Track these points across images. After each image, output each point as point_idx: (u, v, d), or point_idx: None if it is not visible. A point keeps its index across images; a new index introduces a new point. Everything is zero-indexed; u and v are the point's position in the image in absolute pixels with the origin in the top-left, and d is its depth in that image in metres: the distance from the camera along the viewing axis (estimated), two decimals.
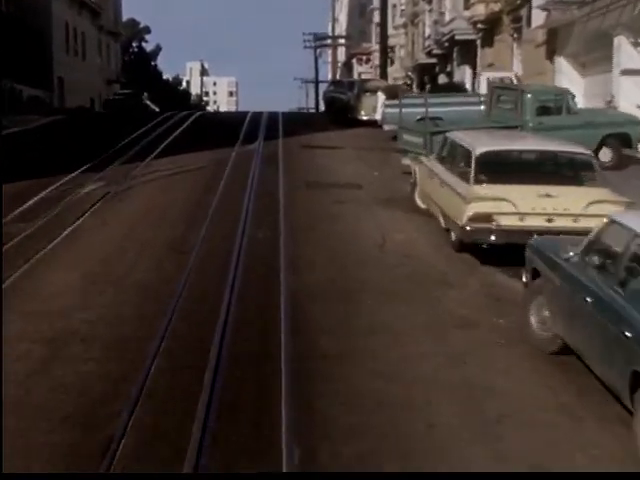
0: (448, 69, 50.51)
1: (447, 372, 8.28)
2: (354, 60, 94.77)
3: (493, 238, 11.93)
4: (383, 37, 42.22)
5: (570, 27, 29.31)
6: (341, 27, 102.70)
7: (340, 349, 8.86)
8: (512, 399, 7.65)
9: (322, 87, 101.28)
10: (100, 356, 8.59)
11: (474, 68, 44.88)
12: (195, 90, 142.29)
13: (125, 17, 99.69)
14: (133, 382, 7.75)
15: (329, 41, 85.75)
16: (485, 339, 9.31)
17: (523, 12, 35.11)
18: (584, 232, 8.64)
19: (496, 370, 8.36)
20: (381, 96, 28.76)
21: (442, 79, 51.31)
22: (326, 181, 20.00)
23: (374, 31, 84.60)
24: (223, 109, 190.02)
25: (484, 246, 12.20)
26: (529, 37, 34.32)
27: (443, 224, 13.80)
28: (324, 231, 14.55)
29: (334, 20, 76.36)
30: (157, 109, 50.70)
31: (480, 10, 39.59)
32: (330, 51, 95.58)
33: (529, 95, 20.01)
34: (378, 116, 28.80)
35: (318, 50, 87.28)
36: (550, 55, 31.69)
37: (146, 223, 15.07)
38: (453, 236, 13.23)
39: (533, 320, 8.84)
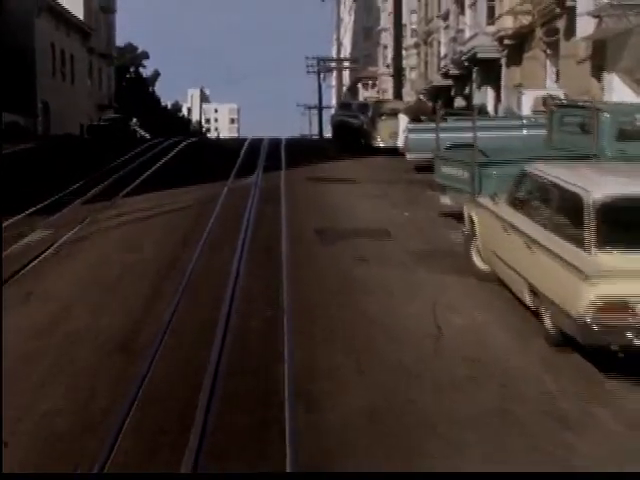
0: (466, 91, 46.05)
1: None
2: (359, 84, 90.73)
3: (637, 341, 7.29)
4: (397, 55, 37.74)
5: (624, 38, 24.80)
6: (345, 51, 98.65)
7: None
8: None
9: (326, 112, 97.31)
10: None
11: (497, 89, 40.43)
12: (197, 117, 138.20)
13: (124, 42, 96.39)
14: None
15: (333, 64, 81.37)
16: None
17: (560, 23, 30.65)
18: None
19: None
20: (403, 119, 24.21)
21: (459, 102, 46.89)
22: (342, 227, 15.39)
23: (381, 54, 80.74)
24: (224, 136, 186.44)
25: (618, 353, 7.53)
26: (568, 52, 29.84)
27: (529, 302, 9.18)
28: (346, 314, 9.89)
29: (339, 40, 72.10)
30: (148, 136, 46.24)
31: (508, 24, 35.16)
32: (334, 75, 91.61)
33: (607, 115, 15.40)
34: (400, 142, 24.23)
35: (322, 74, 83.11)
36: (597, 71, 27.19)
37: (88, 300, 10.40)
38: (548, 323, 8.62)
39: None
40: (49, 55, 55.41)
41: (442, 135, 23.01)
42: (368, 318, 9.68)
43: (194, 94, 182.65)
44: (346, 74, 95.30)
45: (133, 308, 9.95)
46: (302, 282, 11.04)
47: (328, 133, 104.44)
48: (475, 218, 11.37)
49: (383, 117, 28.68)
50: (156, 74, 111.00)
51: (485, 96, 41.90)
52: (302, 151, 30.03)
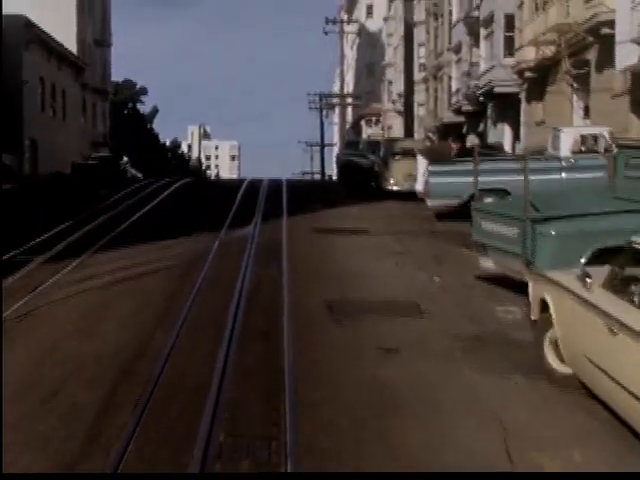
0: (480, 128, 43.11)
1: None
2: (363, 121, 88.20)
3: None
4: (408, 90, 34.80)
5: None
6: (348, 87, 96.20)
7: None
8: None
9: (328, 150, 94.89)
10: None
11: (515, 127, 37.48)
12: (197, 154, 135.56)
13: (122, 77, 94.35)
14: None
15: (335, 100, 78.61)
16: None
17: (591, 54, 27.74)
18: None
19: None
20: (422, 161, 21.14)
21: (472, 140, 43.96)
22: (359, 298, 12.26)
23: (385, 90, 78.20)
24: (224, 175, 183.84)
25: None
26: (601, 85, 26.89)
27: None
28: (375, 453, 6.71)
29: (342, 75, 69.37)
30: (140, 175, 43.25)
31: (529, 55, 32.24)
32: (337, 112, 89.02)
33: None
34: (419, 187, 21.16)
35: (324, 111, 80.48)
36: (637, 107, 24.23)
37: (12, 419, 7.22)
38: None
39: None
40: (38, 90, 52.53)
41: (466, 179, 20.18)
42: (406, 451, 6.51)
43: (194, 131, 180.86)
44: (349, 111, 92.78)
45: (75, 433, 6.79)
46: (311, 399, 7.84)
47: (330, 170, 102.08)
48: (551, 303, 8.21)
49: (397, 157, 25.66)
50: (155, 110, 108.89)
51: (501, 134, 38.95)
52: (305, 194, 26.97)
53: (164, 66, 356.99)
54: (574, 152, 20.10)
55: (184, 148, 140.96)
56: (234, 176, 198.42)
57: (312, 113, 76.68)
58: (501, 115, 39.02)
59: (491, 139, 40.16)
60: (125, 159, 41.81)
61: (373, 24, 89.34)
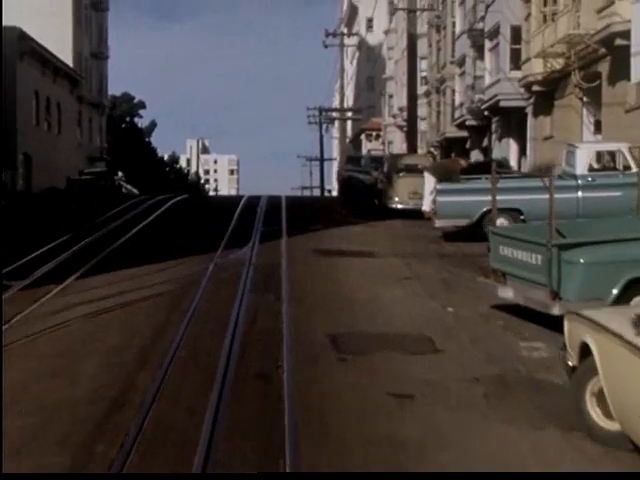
0: (484, 144, 42.06)
1: None
2: (363, 136, 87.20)
3: None
4: (411, 104, 33.74)
5: None
6: (348, 102, 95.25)
7: None
8: None
9: (328, 165, 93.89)
10: None
11: (521, 142, 36.42)
12: (196, 168, 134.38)
13: (121, 91, 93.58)
14: None
15: (335, 114, 77.55)
16: None
17: (602, 67, 26.68)
18: None
19: None
20: (429, 178, 20.02)
21: (476, 156, 42.92)
22: (366, 330, 11.14)
23: (387, 103, 77.17)
24: (223, 190, 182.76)
25: None
26: (613, 99, 25.83)
27: None
28: None
29: (342, 88, 68.36)
30: (136, 191, 42.10)
31: (537, 68, 31.14)
32: (336, 126, 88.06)
33: None
34: (426, 206, 20.04)
35: (324, 125, 79.48)
36: None
37: None
38: None
39: None
40: (32, 103, 51.49)
41: (477, 198, 19.10)
42: None
43: (194, 145, 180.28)
44: (348, 126, 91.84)
45: None
46: (315, 464, 6.70)
47: (329, 185, 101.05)
48: (596, 349, 7.06)
49: (401, 174, 24.54)
50: (153, 124, 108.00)
51: (507, 149, 37.89)
52: (305, 212, 25.83)
53: (163, 79, 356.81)
54: (591, 169, 18.99)
55: (183, 162, 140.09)
56: (233, 192, 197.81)
57: (311, 127, 75.58)
58: (506, 130, 37.96)
59: (496, 154, 39.07)
60: (120, 174, 40.60)
61: (373, 38, 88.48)
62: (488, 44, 37.59)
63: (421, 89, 55.13)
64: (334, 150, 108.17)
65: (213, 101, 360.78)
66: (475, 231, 19.13)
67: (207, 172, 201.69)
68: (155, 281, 14.16)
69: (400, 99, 69.41)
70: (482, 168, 22.78)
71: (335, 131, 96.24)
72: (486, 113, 38.46)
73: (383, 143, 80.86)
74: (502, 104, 35.12)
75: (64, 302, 12.59)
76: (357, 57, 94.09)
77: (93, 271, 15.10)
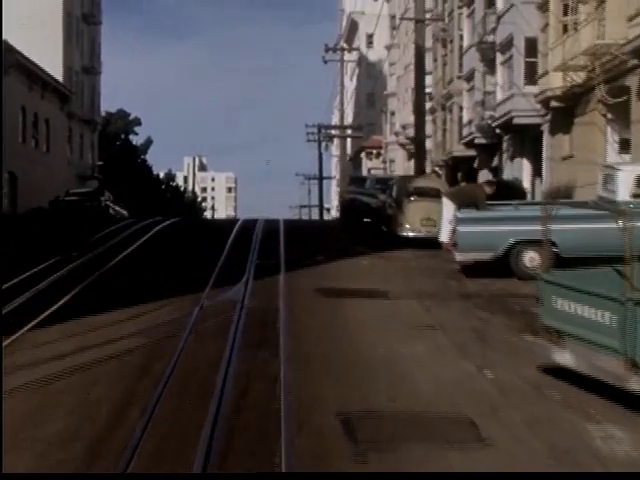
0: (494, 163, 39.71)
1: None
2: (363, 154, 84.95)
3: None
4: (419, 122, 31.30)
5: None
6: (347, 119, 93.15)
7: None
8: None
9: (327, 184, 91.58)
10: None
11: (535, 161, 34.06)
12: (194, 186, 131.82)
13: (116, 108, 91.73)
14: None
15: (334, 132, 75.18)
16: None
17: (631, 80, 24.34)
18: None
19: None
20: (449, 204, 17.60)
21: (485, 176, 40.52)
22: (388, 407, 8.67)
23: (388, 121, 74.99)
24: (221, 208, 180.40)
25: None
26: None
27: None
28: None
29: (343, 104, 66.06)
30: (125, 213, 39.62)
31: (556, 82, 28.81)
32: (335, 144, 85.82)
33: None
34: (445, 236, 17.59)
35: (323, 143, 77.19)
36: None
37: None
38: None
39: None
40: (18, 119, 49.11)
41: (502, 228, 16.74)
42: None
43: (191, 162, 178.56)
44: (348, 144, 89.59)
45: None
46: None
47: (328, 203, 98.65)
48: None
49: (412, 197, 22.11)
50: (148, 142, 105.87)
51: (519, 169, 35.51)
52: (305, 240, 23.32)
53: (162, 96, 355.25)
54: (635, 195, 16.59)
55: (180, 180, 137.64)
56: (230, 210, 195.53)
57: (310, 145, 73.24)
58: (519, 149, 35.60)
59: (507, 175, 36.74)
60: (107, 195, 38.09)
61: (373, 54, 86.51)
62: (500, 57, 35.30)
63: (425, 105, 52.90)
64: (333, 168, 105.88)
65: (211, 118, 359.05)
66: (500, 265, 16.77)
67: (204, 190, 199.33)
68: (126, 332, 11.70)
69: (402, 116, 67.18)
70: (505, 191, 20.36)
71: (334, 149, 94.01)
72: (497, 131, 36.14)
73: (384, 162, 78.58)
74: (516, 121, 32.81)
75: (10, 363, 10.12)
76: (357, 74, 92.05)
77: (52, 319, 12.62)
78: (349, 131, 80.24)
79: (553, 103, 29.71)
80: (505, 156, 37.62)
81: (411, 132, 64.05)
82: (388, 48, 71.69)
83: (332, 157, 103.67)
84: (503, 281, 16.42)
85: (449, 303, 14.25)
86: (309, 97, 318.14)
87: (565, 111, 29.56)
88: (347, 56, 74.32)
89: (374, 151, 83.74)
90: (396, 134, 67.37)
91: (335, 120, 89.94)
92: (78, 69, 62.13)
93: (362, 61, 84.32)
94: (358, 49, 75.45)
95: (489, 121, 36.87)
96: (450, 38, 45.86)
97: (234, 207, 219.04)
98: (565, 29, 28.68)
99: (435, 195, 21.46)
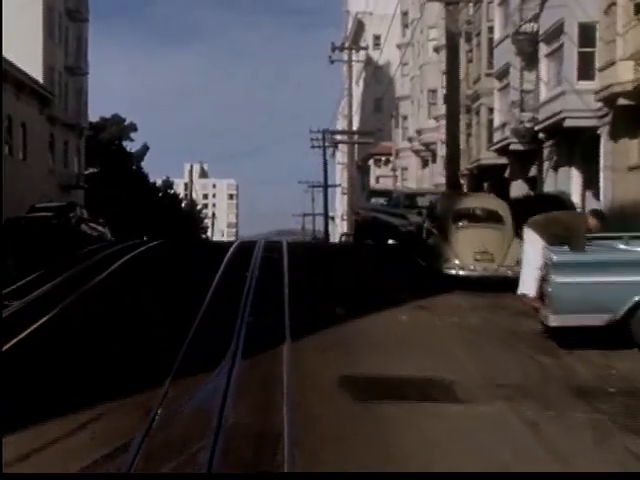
0: (531, 173, 34.13)
1: None
2: (371, 161, 79.55)
3: None
4: (451, 120, 25.67)
5: None
6: (353, 125, 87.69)
7: None
8: None
9: (331, 192, 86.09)
10: None
11: (588, 172, 28.48)
12: (194, 194, 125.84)
13: (111, 113, 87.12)
14: None
15: (340, 137, 69.62)
16: None
17: None
18: None
19: None
20: (534, 239, 11.97)
21: (518, 188, 34.93)
22: None
23: (400, 125, 69.68)
24: (222, 219, 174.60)
25: None
26: None
27: None
28: None
29: (350, 107, 60.54)
30: (105, 230, 33.88)
31: (625, 75, 23.29)
32: (341, 151, 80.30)
33: None
34: (530, 289, 11.94)
35: (329, 150, 71.75)
36: None
37: None
38: None
39: None
40: None
41: (625, 279, 11.20)
42: None
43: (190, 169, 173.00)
44: (355, 150, 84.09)
45: None
46: None
47: (332, 212, 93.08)
48: None
49: (461, 222, 16.43)
50: (145, 148, 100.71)
51: (566, 181, 29.90)
52: (316, 277, 17.51)
53: (163, 102, 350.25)
54: None
55: (180, 187, 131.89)
56: (232, 216, 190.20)
57: (314, 151, 67.89)
58: (567, 156, 29.97)
59: (549, 187, 31.17)
60: (80, 210, 32.37)
61: (381, 56, 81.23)
62: (544, 49, 29.71)
63: (441, 109, 47.17)
64: (337, 176, 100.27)
65: (213, 124, 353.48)
66: (612, 331, 11.24)
67: (205, 197, 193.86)
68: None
69: (417, 120, 61.69)
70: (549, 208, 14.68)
71: (339, 156, 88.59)
72: (540, 135, 30.55)
73: (394, 169, 73.26)
74: (567, 123, 27.21)
75: None
76: (363, 77, 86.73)
77: None
78: (356, 137, 74.73)
79: (620, 100, 24.11)
80: (547, 165, 32.03)
81: (426, 138, 58.84)
82: (399, 47, 66.26)
83: (336, 165, 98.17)
84: (621, 355, 10.91)
85: (560, 408, 8.66)
86: (313, 103, 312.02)
87: (634, 110, 23.99)
88: (354, 57, 69.03)
89: (383, 158, 78.57)
90: (409, 140, 61.93)
91: (340, 126, 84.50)
92: (61, 69, 56.58)
93: (369, 64, 78.95)
94: (366, 48, 69.85)
95: (528, 124, 31.34)
96: (476, 31, 40.29)
97: (235, 214, 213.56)
98: (638, 9, 23.18)
99: (491, 219, 15.96)
